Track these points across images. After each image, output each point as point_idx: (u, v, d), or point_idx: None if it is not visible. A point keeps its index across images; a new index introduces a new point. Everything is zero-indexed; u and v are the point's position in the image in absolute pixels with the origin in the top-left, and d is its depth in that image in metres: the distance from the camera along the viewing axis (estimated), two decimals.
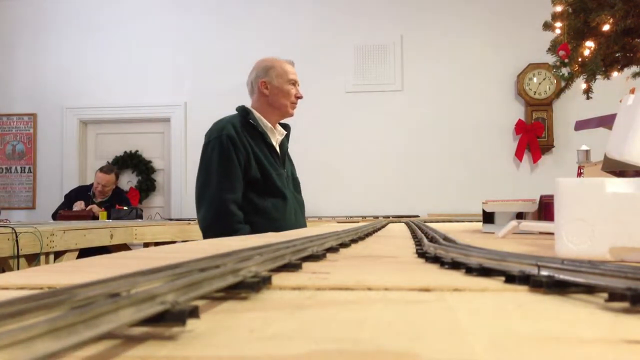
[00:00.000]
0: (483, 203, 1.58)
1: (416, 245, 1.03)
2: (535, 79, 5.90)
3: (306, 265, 0.61)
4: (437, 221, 3.17)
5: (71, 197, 5.44)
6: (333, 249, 0.81)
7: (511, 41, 5.96)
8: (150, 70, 6.41)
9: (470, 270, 0.54)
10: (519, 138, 5.93)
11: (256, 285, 0.41)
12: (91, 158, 6.64)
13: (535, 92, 5.90)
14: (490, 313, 0.37)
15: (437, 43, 6.08)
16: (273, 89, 2.58)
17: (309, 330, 0.31)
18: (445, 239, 0.87)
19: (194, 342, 0.28)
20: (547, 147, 5.90)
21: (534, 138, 5.89)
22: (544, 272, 0.45)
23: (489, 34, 6.02)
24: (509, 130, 5.98)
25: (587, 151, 2.84)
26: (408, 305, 0.39)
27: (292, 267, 0.57)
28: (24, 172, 6.61)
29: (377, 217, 4.92)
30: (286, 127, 2.72)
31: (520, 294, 0.43)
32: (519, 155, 5.92)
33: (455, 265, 0.59)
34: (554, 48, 2.25)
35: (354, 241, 1.05)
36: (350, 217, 5.20)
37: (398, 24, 6.12)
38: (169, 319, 0.28)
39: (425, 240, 0.87)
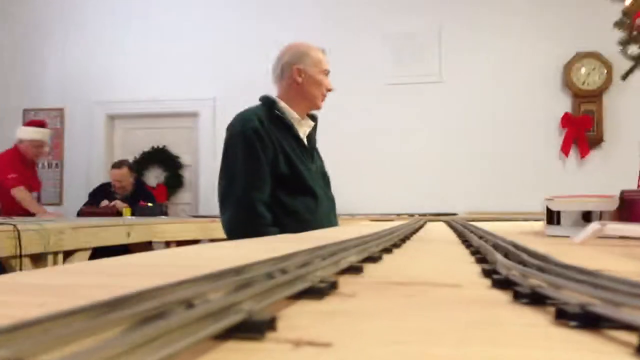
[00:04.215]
0: (547, 199, 1.29)
1: (473, 255, 0.75)
2: (583, 69, 5.49)
3: (300, 309, 0.34)
4: (481, 220, 2.87)
5: (95, 195, 5.30)
6: (353, 269, 0.54)
7: (557, 29, 5.56)
8: (179, 65, 6.21)
9: (565, 315, 0.26)
10: (565, 132, 5.53)
11: None
12: (118, 153, 6.47)
13: (584, 82, 5.49)
14: None
15: (478, 32, 5.72)
16: (307, 77, 2.30)
17: None
18: (524, 250, 0.58)
19: None
20: (597, 142, 5.50)
21: (581, 132, 5.48)
22: None
23: (532, 22, 5.63)
24: (555, 124, 5.58)
25: None
26: None
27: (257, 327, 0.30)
28: (51, 167, 6.50)
29: (412, 215, 4.62)
30: (314, 117, 2.44)
31: None
32: (565, 150, 5.52)
33: (538, 299, 0.32)
34: (621, 22, 1.92)
35: (387, 250, 0.78)
36: (385, 214, 4.91)
37: (437, 12, 5.78)
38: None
39: (496, 254, 0.59)
